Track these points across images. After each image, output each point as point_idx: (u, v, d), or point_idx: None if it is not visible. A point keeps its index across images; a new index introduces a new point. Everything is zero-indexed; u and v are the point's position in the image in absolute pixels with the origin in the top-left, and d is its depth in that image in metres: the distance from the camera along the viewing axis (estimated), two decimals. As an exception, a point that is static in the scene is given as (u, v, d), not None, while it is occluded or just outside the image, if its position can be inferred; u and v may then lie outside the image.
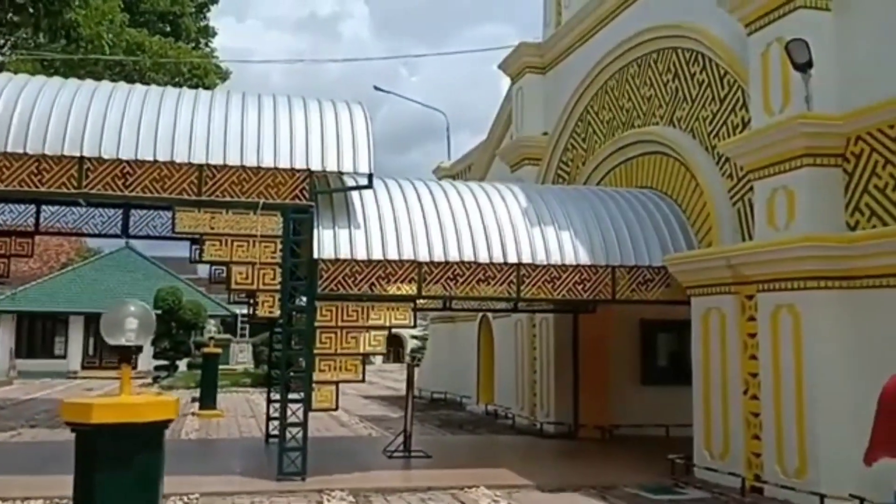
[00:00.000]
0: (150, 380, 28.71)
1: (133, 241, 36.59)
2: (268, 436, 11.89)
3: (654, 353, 14.08)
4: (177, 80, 16.68)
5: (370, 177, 9.17)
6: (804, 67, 7.82)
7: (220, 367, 18.85)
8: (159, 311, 31.45)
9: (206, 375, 17.15)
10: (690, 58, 10.54)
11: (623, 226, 10.22)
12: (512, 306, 12.56)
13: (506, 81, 16.63)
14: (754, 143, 8.49)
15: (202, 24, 19.32)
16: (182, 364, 31.26)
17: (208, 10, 18.94)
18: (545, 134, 14.69)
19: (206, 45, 19.49)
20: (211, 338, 19.75)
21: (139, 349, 3.74)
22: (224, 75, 18.80)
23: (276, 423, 11.83)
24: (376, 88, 31.72)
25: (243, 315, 41.19)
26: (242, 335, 40.72)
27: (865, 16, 7.84)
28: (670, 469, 9.41)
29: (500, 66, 15.82)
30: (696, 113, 10.35)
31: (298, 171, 9.03)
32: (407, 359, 38.93)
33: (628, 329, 13.75)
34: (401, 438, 10.88)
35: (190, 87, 13.89)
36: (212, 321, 33.41)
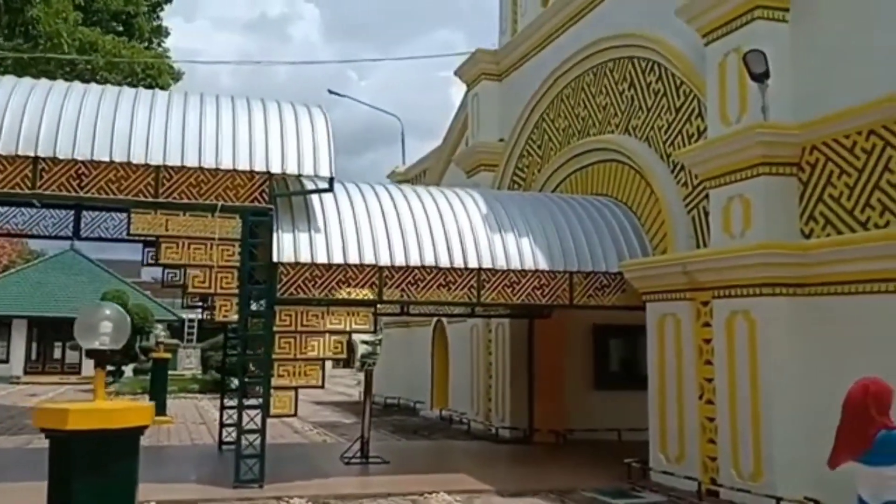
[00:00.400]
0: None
1: (78, 244, 35.61)
2: (221, 442, 11.66)
3: (607, 357, 14.27)
4: (129, 79, 16.27)
5: (331, 180, 9.09)
6: (761, 78, 8.00)
7: (168, 372, 18.42)
8: (104, 315, 30.70)
9: (155, 381, 16.79)
10: (646, 67, 10.72)
11: (580, 232, 10.33)
12: (469, 311, 12.58)
13: (456, 87, 16.86)
14: (711, 151, 8.67)
15: (155, 23, 18.90)
16: (128, 369, 30.47)
17: (161, 10, 18.53)
18: (501, 140, 14.78)
19: (159, 44, 19.09)
20: (160, 343, 19.33)
21: (113, 353, 3.61)
22: (177, 76, 18.44)
23: (229, 429, 11.64)
24: (331, 92, 32.00)
25: (190, 320, 40.41)
26: (189, 340, 39.84)
27: (821, 28, 8.05)
28: (626, 473, 9.51)
29: (456, 73, 15.88)
30: (652, 122, 10.53)
31: (258, 173, 8.91)
32: (357, 363, 38.67)
33: (581, 334, 13.89)
34: (358, 445, 10.78)
35: (144, 87, 13.56)
36: (159, 325, 32.64)
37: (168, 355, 18.22)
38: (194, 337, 38.90)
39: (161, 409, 15.96)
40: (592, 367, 13.97)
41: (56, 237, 10.92)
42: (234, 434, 11.67)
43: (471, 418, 14.75)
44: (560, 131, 13.00)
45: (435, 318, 17.11)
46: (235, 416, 11.78)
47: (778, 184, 8.18)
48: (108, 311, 3.65)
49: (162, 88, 16.14)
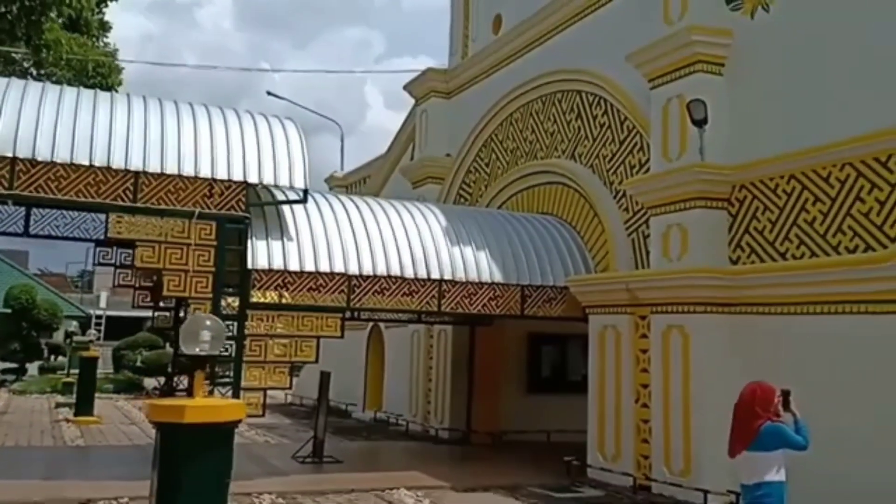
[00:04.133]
0: (-8, 383, 26.45)
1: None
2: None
3: (539, 364, 15.23)
4: (80, 77, 15.90)
5: (306, 192, 9.59)
6: (701, 123, 9.11)
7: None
8: (9, 311, 29.35)
9: (83, 380, 16.54)
10: (593, 101, 11.72)
11: (531, 248, 11.21)
12: (416, 318, 13.23)
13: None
14: (655, 184, 9.72)
15: (97, 17, 18.42)
16: (32, 367, 29.28)
17: (106, 6, 18.11)
18: (447, 155, 15.55)
19: (102, 40, 18.66)
20: (90, 341, 18.97)
21: (212, 358, 4.12)
22: (120, 72, 18.14)
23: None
24: (269, 94, 32.16)
25: (98, 317, 39.12)
26: (97, 338, 38.43)
27: (751, 83, 9.23)
28: (566, 470, 10.42)
29: (405, 88, 16.57)
30: (597, 151, 11.53)
31: (235, 182, 9.29)
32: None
33: (517, 342, 14.80)
34: (310, 445, 11.25)
35: (94, 85, 13.46)
36: (74, 323, 31.54)
37: (97, 354, 17.95)
38: (101, 334, 37.72)
39: (88, 409, 15.85)
40: (526, 372, 14.91)
41: (5, 233, 10.88)
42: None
43: (408, 420, 15.39)
44: (508, 152, 13.89)
45: (371, 323, 17.62)
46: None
47: (711, 216, 9.30)
48: (208, 322, 4.18)
49: (112, 87, 16.01)
